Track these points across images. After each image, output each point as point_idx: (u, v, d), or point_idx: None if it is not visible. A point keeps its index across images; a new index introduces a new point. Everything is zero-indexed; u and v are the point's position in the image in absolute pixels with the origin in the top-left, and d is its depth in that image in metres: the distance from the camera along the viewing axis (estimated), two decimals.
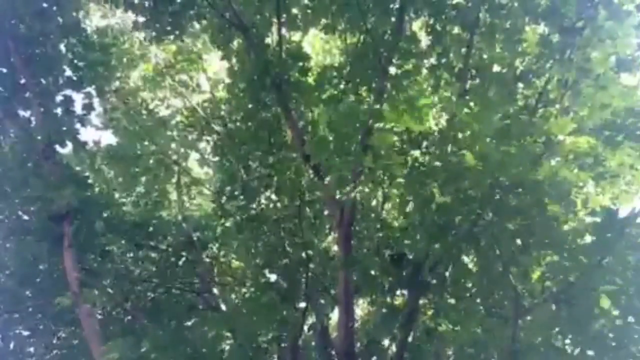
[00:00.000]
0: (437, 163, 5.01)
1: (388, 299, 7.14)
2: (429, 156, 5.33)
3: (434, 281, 6.49)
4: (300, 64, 7.53)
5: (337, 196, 6.74)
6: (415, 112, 5.14)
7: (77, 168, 8.94)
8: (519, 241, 5.18)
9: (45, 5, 8.13)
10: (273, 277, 8.03)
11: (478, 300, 6.18)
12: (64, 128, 8.07)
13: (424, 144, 6.46)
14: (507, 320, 5.56)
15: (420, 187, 5.15)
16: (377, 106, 6.27)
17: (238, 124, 8.55)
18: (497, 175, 4.73)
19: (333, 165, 5.71)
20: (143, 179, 10.47)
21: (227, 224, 8.07)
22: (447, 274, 6.24)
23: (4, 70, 8.15)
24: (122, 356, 6.31)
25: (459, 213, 5.19)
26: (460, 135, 4.85)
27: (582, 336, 4.99)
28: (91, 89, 8.55)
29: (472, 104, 4.88)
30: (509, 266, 5.26)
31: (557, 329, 5.30)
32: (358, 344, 7.74)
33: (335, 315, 8.00)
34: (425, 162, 5.27)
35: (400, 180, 5.43)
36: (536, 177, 4.84)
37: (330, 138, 5.80)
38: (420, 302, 6.86)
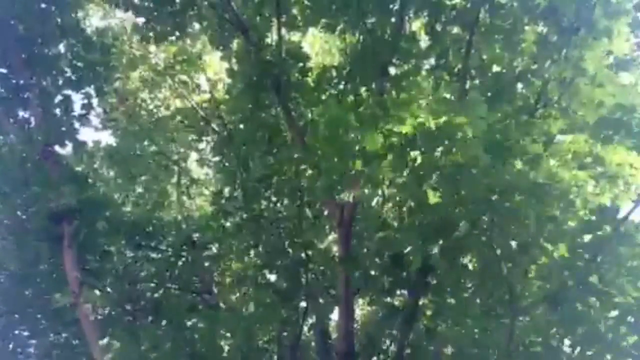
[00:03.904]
0: (430, 164, 4.99)
1: (388, 299, 7.15)
2: (423, 157, 5.31)
3: (434, 281, 6.51)
4: (300, 64, 7.54)
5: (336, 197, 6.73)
6: (402, 113, 5.13)
7: (77, 168, 8.94)
8: (515, 241, 5.18)
9: (44, 5, 8.12)
10: (273, 278, 8.05)
11: (478, 301, 6.20)
12: (63, 128, 8.07)
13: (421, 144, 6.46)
14: (505, 319, 5.57)
15: (416, 188, 5.15)
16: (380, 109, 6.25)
17: (238, 124, 8.55)
18: (487, 179, 4.73)
19: (325, 170, 5.69)
20: (143, 179, 10.49)
21: (227, 225, 8.07)
22: (444, 274, 6.25)
23: (4, 71, 8.16)
24: (122, 356, 6.33)
25: (456, 214, 5.19)
26: (452, 137, 4.84)
27: (578, 335, 5.01)
28: (90, 89, 8.55)
29: (461, 106, 4.88)
30: (506, 266, 5.27)
31: (554, 329, 5.32)
32: (358, 344, 7.75)
33: (335, 315, 8.01)
34: (420, 163, 5.26)
35: (398, 181, 5.42)
36: (534, 178, 4.84)
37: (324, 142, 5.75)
38: (420, 302, 6.87)
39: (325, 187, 5.99)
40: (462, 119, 4.62)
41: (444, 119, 4.67)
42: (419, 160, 4.98)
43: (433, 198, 4.96)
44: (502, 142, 4.78)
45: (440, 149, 4.89)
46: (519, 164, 4.82)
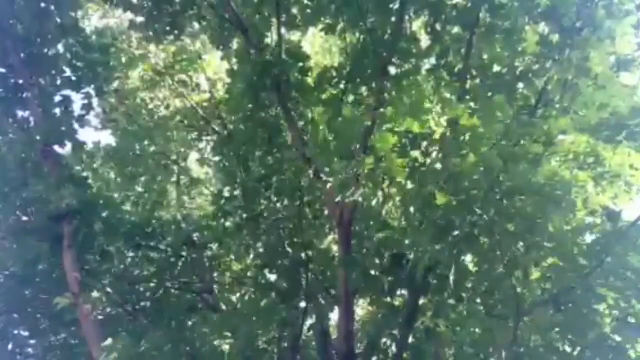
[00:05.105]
0: (438, 165, 5.00)
1: (388, 299, 7.14)
2: (430, 157, 5.33)
3: (435, 281, 6.49)
4: (300, 64, 7.52)
5: (338, 199, 6.72)
6: (415, 114, 5.15)
7: (77, 168, 8.94)
8: (519, 242, 5.17)
9: (44, 5, 8.12)
10: (273, 278, 8.03)
11: (478, 301, 6.19)
12: (63, 128, 8.07)
13: (425, 144, 6.45)
14: (507, 320, 5.56)
15: (421, 188, 5.14)
16: (379, 109, 6.26)
17: (238, 124, 8.54)
18: (498, 177, 4.72)
19: (334, 169, 5.68)
20: (142, 179, 10.48)
21: (227, 224, 8.06)
22: (447, 274, 6.23)
23: (3, 71, 8.15)
24: (122, 356, 6.31)
25: (459, 214, 5.18)
26: (462, 138, 4.84)
27: (581, 338, 5.00)
28: (90, 89, 8.55)
29: (472, 105, 4.88)
30: (509, 267, 5.26)
31: (557, 330, 5.31)
32: (358, 345, 7.74)
33: (335, 316, 8.00)
34: (426, 164, 5.27)
35: (401, 181, 5.42)
36: (537, 178, 4.83)
37: (331, 139, 5.79)
38: (421, 302, 6.85)
39: (339, 185, 5.96)
40: (475, 121, 4.62)
41: (459, 120, 4.67)
42: (426, 160, 4.98)
43: (441, 198, 4.95)
44: (514, 146, 4.78)
45: (454, 149, 4.90)
46: (522, 165, 4.82)
